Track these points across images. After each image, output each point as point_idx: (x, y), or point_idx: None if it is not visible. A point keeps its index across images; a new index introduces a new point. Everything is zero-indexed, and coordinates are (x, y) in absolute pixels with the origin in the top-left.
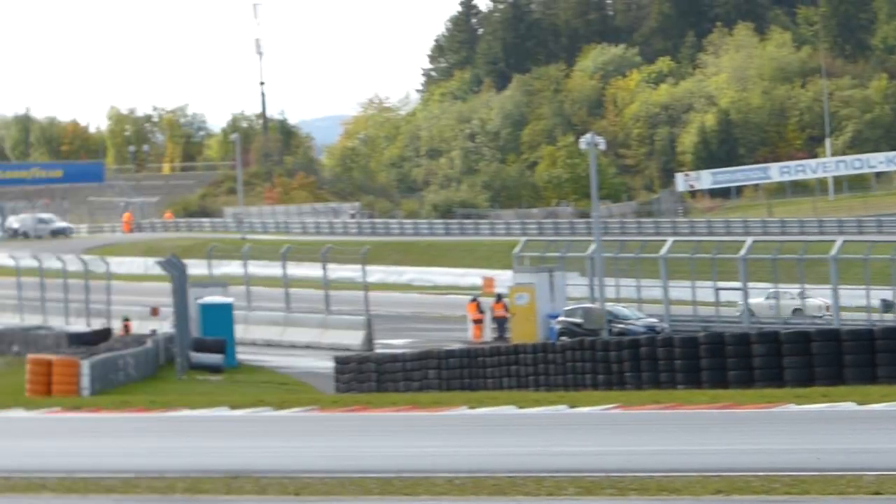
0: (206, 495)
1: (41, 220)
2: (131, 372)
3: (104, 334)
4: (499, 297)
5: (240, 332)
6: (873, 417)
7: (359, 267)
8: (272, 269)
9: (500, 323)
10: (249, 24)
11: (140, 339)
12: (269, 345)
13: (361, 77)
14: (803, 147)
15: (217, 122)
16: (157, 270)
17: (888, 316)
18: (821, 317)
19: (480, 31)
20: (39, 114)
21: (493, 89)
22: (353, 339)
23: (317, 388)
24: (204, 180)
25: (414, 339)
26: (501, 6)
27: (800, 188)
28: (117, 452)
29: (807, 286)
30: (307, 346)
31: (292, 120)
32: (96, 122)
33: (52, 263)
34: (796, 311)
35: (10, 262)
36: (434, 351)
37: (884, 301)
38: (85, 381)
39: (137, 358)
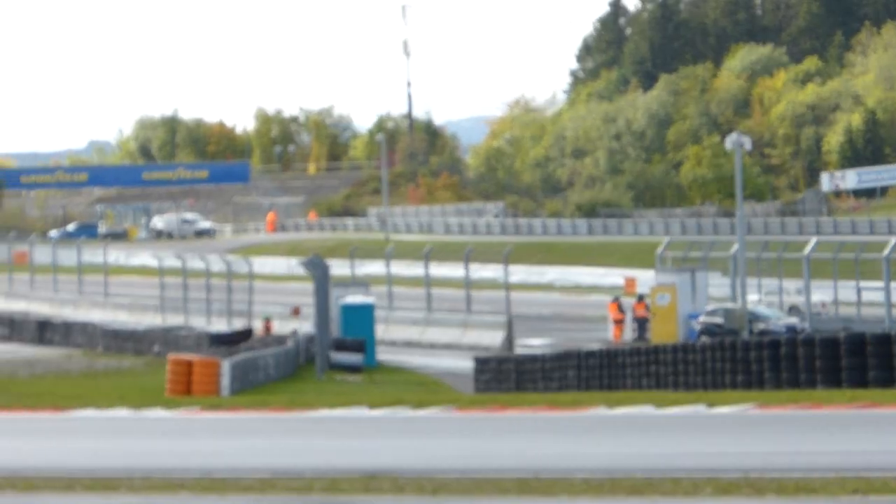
0: (344, 495)
1: (185, 221)
2: (271, 372)
3: (245, 334)
4: (640, 298)
5: (380, 331)
6: None
7: (501, 267)
8: (415, 269)
9: (641, 323)
10: (397, 25)
11: (280, 339)
12: (409, 345)
13: (508, 78)
14: None
15: (363, 122)
16: (300, 270)
17: None
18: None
19: (628, 31)
20: (186, 115)
21: (640, 89)
22: (493, 339)
23: (455, 388)
24: (349, 180)
25: (554, 340)
26: (650, 6)
27: None
28: (256, 452)
29: None
30: (447, 347)
31: (438, 120)
32: (243, 123)
33: (195, 264)
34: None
35: (154, 263)
36: (573, 351)
37: None
38: (225, 381)
39: (277, 358)
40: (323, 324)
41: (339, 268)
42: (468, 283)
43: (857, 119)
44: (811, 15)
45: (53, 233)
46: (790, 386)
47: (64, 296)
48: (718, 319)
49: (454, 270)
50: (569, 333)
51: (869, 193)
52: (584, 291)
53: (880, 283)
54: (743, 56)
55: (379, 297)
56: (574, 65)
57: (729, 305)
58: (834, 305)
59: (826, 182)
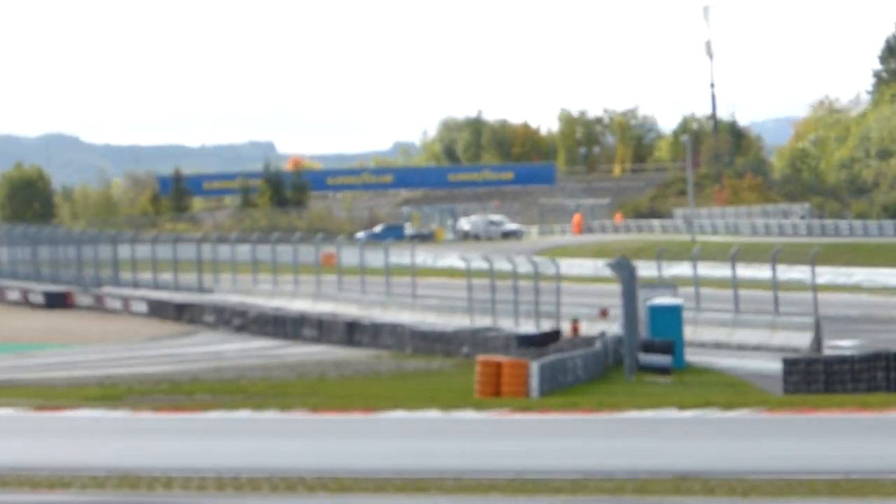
0: (655, 496)
1: (491, 222)
2: (580, 373)
3: (553, 336)
4: None
5: (688, 333)
6: None
7: (807, 268)
8: (721, 270)
9: None
10: (699, 26)
11: (589, 341)
12: (717, 346)
13: (811, 78)
14: None
15: (667, 123)
16: (607, 272)
17: None
18: None
19: None
20: (491, 116)
21: None
22: (801, 340)
23: (764, 390)
24: (654, 182)
25: (863, 341)
26: None
27: None
28: (566, 453)
29: None
30: (755, 348)
31: (742, 121)
32: (547, 124)
33: (502, 265)
34: None
35: (461, 264)
36: (883, 352)
37: None
38: (534, 383)
39: (586, 359)
40: (631, 325)
41: (645, 269)
42: (775, 285)
43: None
44: None
45: (360, 234)
46: None
47: (372, 297)
48: None
49: (761, 272)
50: (877, 334)
51: None
52: (893, 293)
53: None
54: None
55: (686, 299)
56: (877, 65)
57: None
58: None
59: None
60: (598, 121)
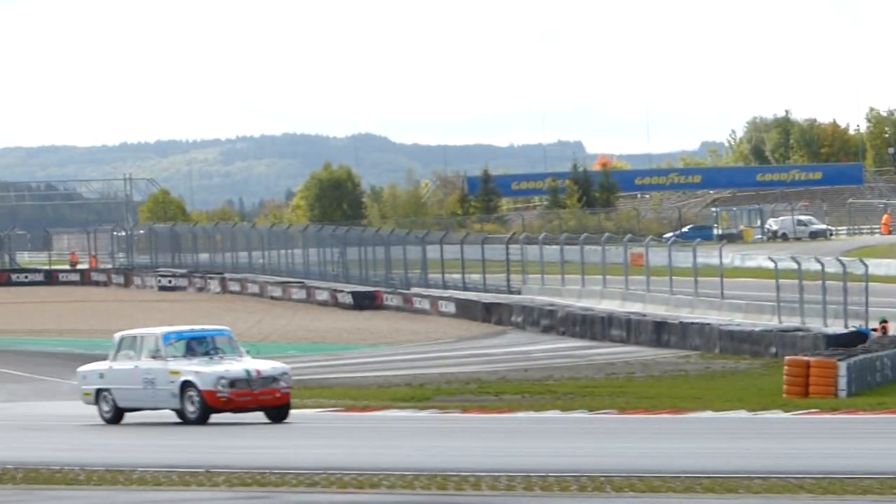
0: None
1: (800, 222)
2: (888, 373)
3: (862, 335)
4: None
5: None
6: None
7: None
8: None
9: None
10: None
11: None
12: None
13: None
14: None
15: None
16: None
17: None
18: None
19: None
20: (800, 115)
21: None
22: None
23: None
24: None
25: None
26: None
27: None
28: (874, 453)
29: None
30: None
31: None
32: (855, 123)
33: (810, 265)
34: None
35: (769, 264)
36: None
37: None
38: (842, 383)
39: (894, 359)
40: None
41: None
42: None
43: None
44: None
45: (668, 235)
46: None
47: (680, 297)
48: None
49: None
50: None
51: None
52: None
53: None
54: None
55: None
56: None
57: None
58: None
59: None
60: None
